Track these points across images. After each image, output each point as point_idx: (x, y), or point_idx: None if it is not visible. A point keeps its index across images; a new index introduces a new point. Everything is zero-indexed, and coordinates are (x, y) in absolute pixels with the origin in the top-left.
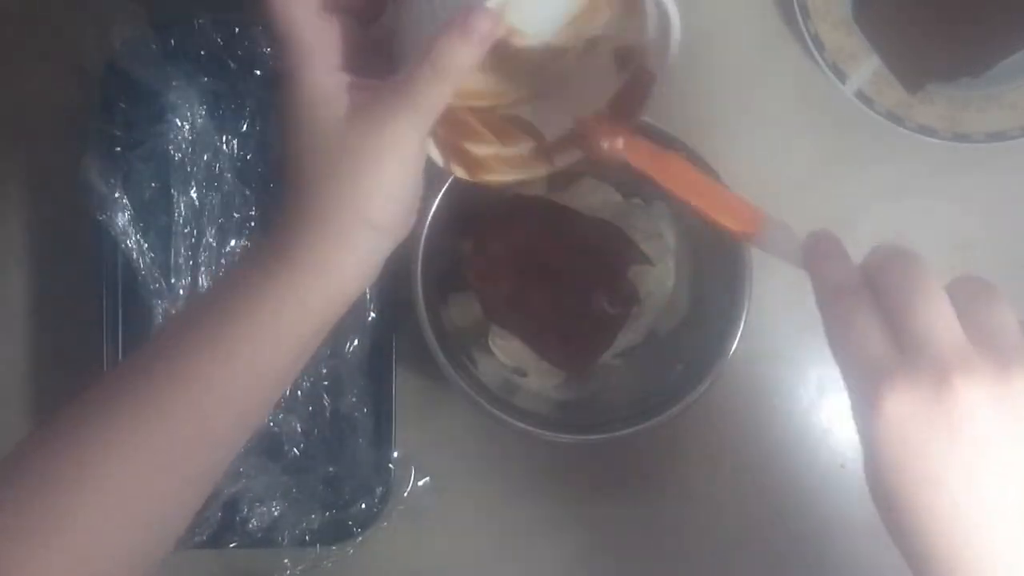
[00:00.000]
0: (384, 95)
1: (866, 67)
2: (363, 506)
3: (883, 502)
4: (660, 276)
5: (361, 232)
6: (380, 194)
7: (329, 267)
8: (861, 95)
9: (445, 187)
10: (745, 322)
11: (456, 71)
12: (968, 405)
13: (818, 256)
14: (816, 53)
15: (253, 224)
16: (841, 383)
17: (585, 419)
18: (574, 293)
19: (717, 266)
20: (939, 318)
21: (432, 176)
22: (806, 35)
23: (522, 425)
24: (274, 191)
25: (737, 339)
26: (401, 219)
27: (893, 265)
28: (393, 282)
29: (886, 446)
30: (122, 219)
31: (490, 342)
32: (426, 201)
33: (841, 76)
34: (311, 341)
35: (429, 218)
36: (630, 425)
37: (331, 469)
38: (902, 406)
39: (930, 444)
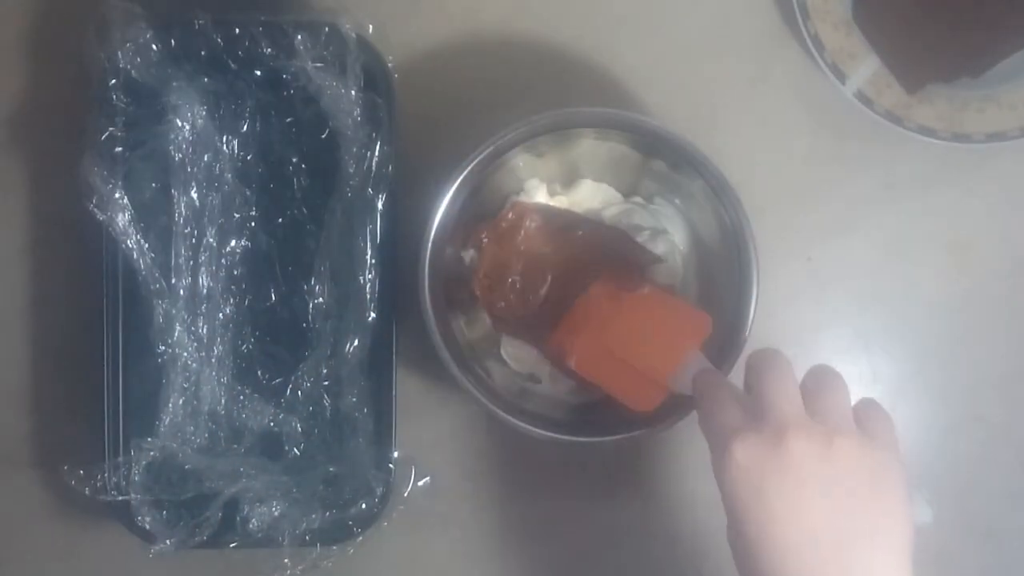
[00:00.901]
0: None
1: (866, 67)
2: (363, 506)
3: (735, 537)
4: (669, 273)
5: None
6: None
7: None
8: (861, 95)
9: (448, 196)
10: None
11: None
12: (797, 456)
13: (701, 383)
14: (816, 53)
15: (253, 224)
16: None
17: (601, 421)
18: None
19: (723, 262)
20: (783, 393)
21: (434, 181)
22: (806, 35)
23: (540, 431)
24: (274, 191)
25: (748, 332)
26: None
27: (758, 356)
28: (393, 282)
29: (735, 486)
30: (122, 219)
31: (502, 351)
32: (430, 210)
33: (841, 76)
34: None
35: (434, 227)
36: (643, 427)
37: (331, 469)
38: (747, 454)
39: (766, 482)
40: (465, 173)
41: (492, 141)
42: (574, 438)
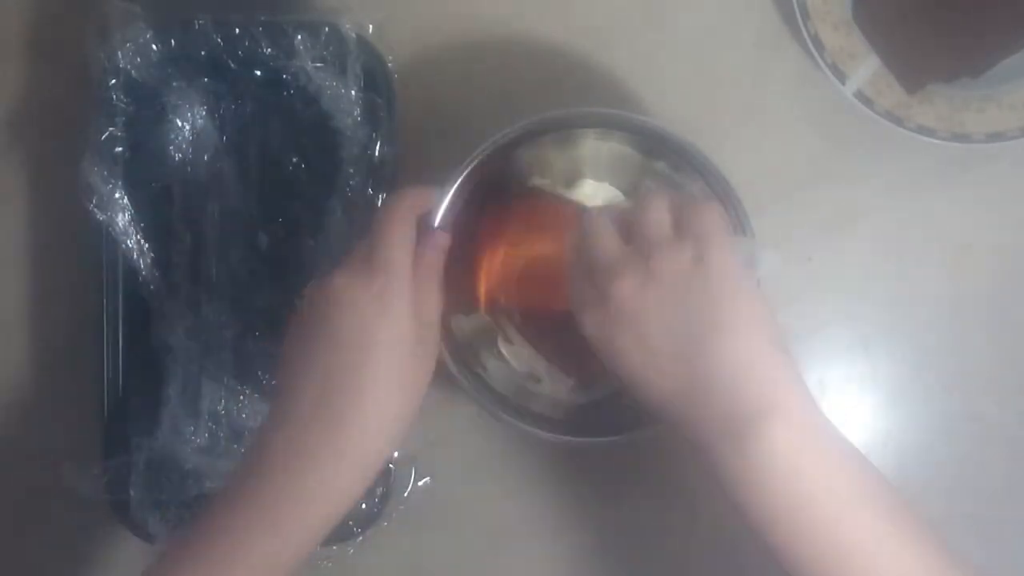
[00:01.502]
0: None
1: (866, 67)
2: (363, 506)
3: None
4: None
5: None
6: None
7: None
8: (861, 95)
9: (449, 196)
10: None
11: None
12: (618, 301)
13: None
14: (816, 53)
15: (253, 224)
16: (842, 383)
17: (601, 421)
18: None
19: None
20: (606, 235)
21: (434, 181)
22: (806, 35)
23: (540, 431)
24: (274, 192)
25: None
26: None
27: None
28: None
29: (596, 348)
30: (122, 219)
31: (501, 350)
32: (431, 210)
33: (841, 76)
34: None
35: (434, 227)
36: (643, 427)
37: None
38: (591, 321)
39: (615, 341)
40: (465, 173)
41: (492, 141)
42: (574, 438)
